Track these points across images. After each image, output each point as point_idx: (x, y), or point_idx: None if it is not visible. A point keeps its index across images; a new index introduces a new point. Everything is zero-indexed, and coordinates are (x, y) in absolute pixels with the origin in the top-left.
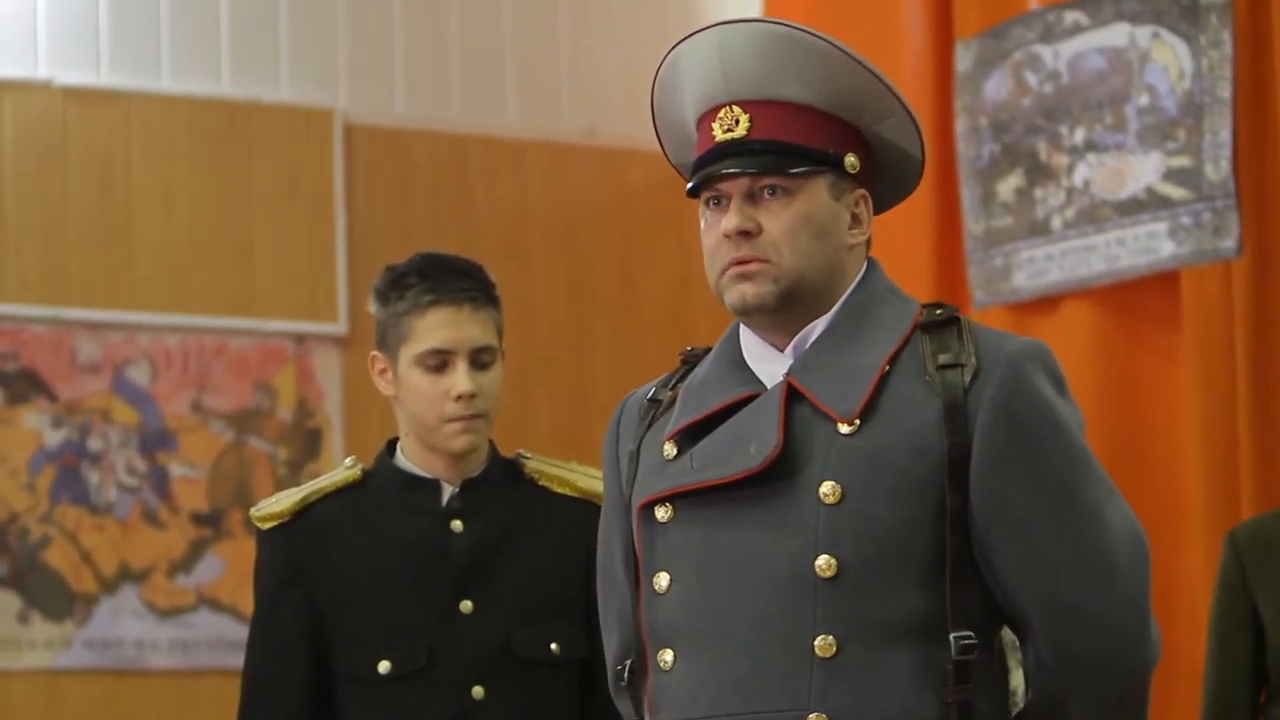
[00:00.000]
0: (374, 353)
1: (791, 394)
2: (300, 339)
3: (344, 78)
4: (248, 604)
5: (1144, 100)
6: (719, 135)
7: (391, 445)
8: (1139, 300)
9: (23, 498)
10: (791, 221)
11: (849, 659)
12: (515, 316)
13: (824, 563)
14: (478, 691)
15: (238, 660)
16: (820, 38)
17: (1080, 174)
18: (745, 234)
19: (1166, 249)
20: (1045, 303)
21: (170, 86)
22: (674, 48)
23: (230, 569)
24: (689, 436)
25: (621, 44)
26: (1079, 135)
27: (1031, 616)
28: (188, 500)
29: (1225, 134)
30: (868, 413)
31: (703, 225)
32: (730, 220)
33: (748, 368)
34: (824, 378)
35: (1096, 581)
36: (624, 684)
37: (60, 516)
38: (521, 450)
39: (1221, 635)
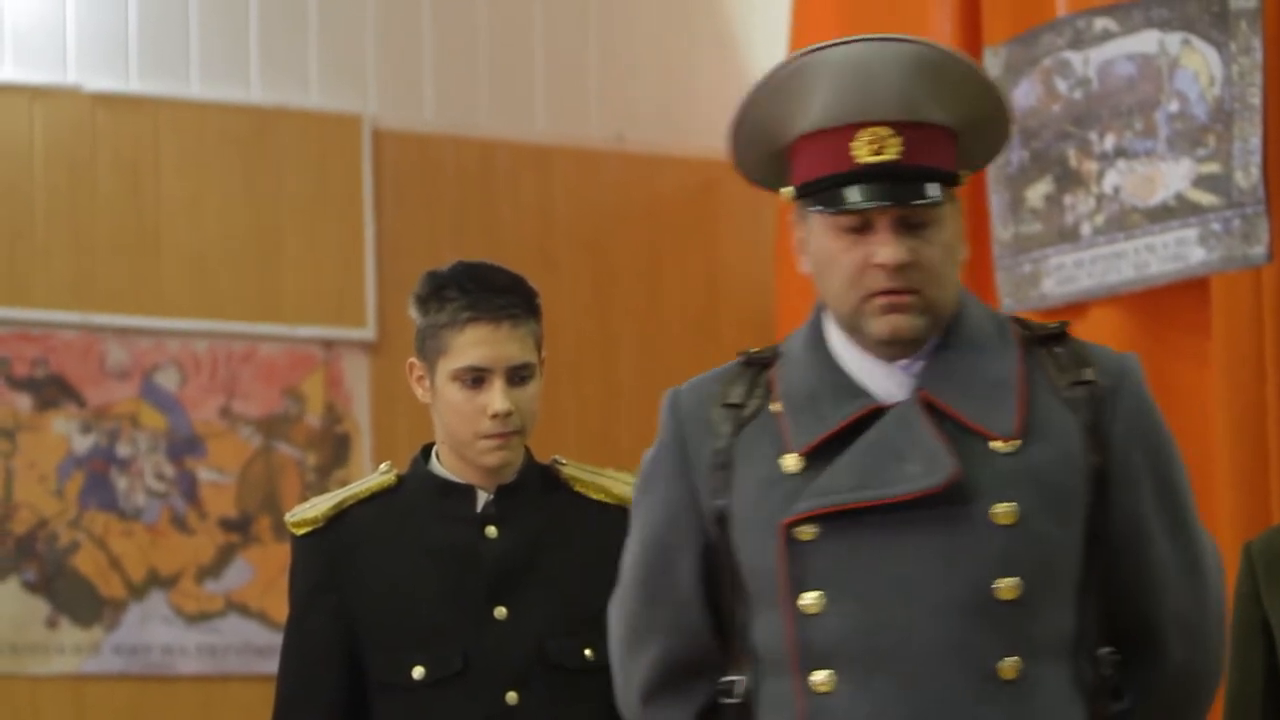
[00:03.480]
0: (412, 359)
1: (928, 410)
2: (329, 345)
3: (373, 84)
4: (276, 609)
5: (1174, 107)
6: (863, 156)
7: (427, 450)
8: (1169, 307)
9: (52, 503)
10: (941, 252)
11: (1027, 681)
12: (543, 322)
13: (1005, 585)
14: (511, 697)
15: (266, 666)
16: (964, 60)
17: (1110, 180)
18: (901, 266)
19: (1196, 255)
20: (1074, 309)
21: (199, 93)
22: (797, 57)
23: (259, 574)
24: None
25: (650, 51)
26: (1109, 142)
27: (1154, 631)
28: (216, 506)
29: (1255, 140)
30: (1023, 431)
31: (829, 243)
32: (891, 253)
33: (850, 378)
34: (962, 393)
35: (1201, 596)
36: (736, 702)
37: (89, 522)
38: (558, 456)
39: (1237, 645)
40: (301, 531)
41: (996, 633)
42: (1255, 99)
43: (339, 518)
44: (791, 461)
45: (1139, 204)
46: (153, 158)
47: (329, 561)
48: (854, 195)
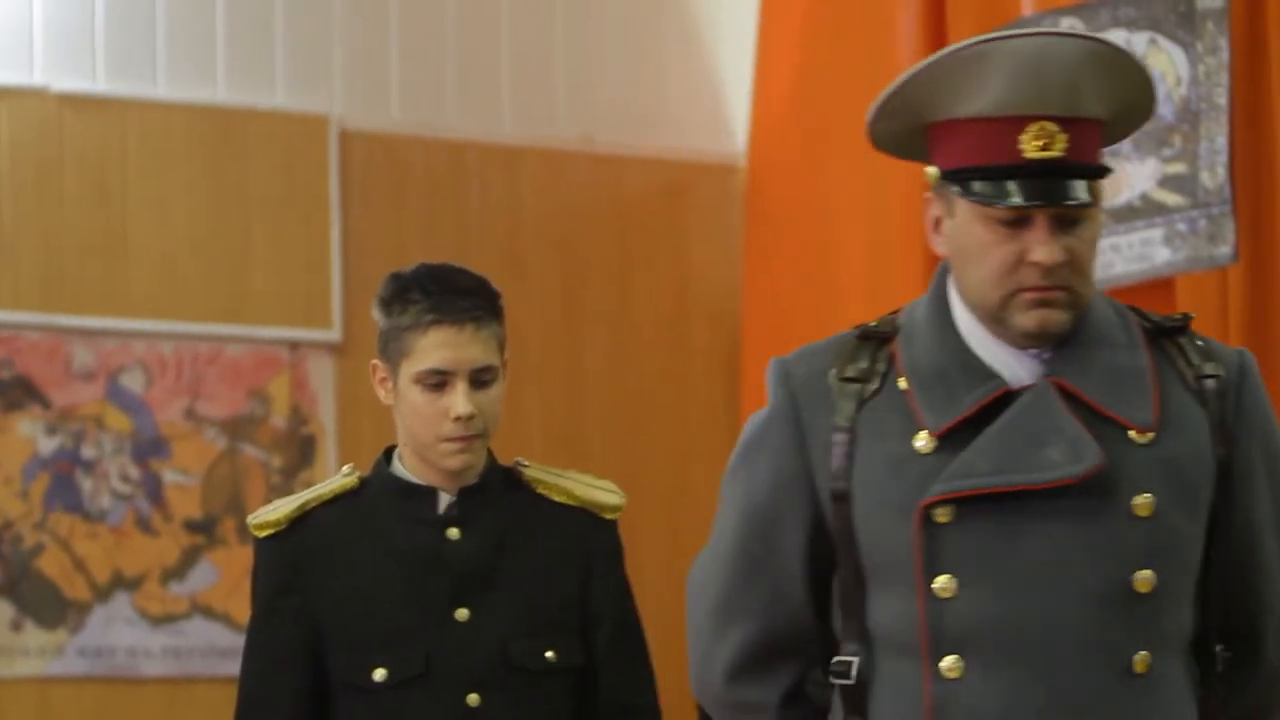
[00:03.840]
0: (375, 361)
1: (1063, 396)
2: (294, 346)
3: (339, 84)
4: (241, 611)
5: None
6: (1030, 151)
7: (389, 452)
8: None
9: (16, 505)
10: (1089, 250)
11: (1154, 675)
12: (510, 323)
13: (1143, 577)
14: (473, 699)
15: (230, 668)
16: (1131, 56)
17: None
18: (1057, 264)
19: (1162, 256)
20: None
21: (166, 93)
22: (980, 43)
23: (224, 576)
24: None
25: (617, 52)
26: None
27: (1254, 631)
28: (181, 508)
29: (1221, 141)
30: (1159, 423)
31: (980, 232)
32: (1049, 252)
33: (979, 359)
34: (1096, 382)
35: None
36: (849, 683)
37: (54, 524)
38: (520, 458)
39: None
40: (264, 534)
41: (1131, 626)
42: (1222, 99)
43: (301, 520)
44: (924, 441)
45: (1104, 204)
46: (119, 158)
47: (291, 564)
48: (1016, 189)
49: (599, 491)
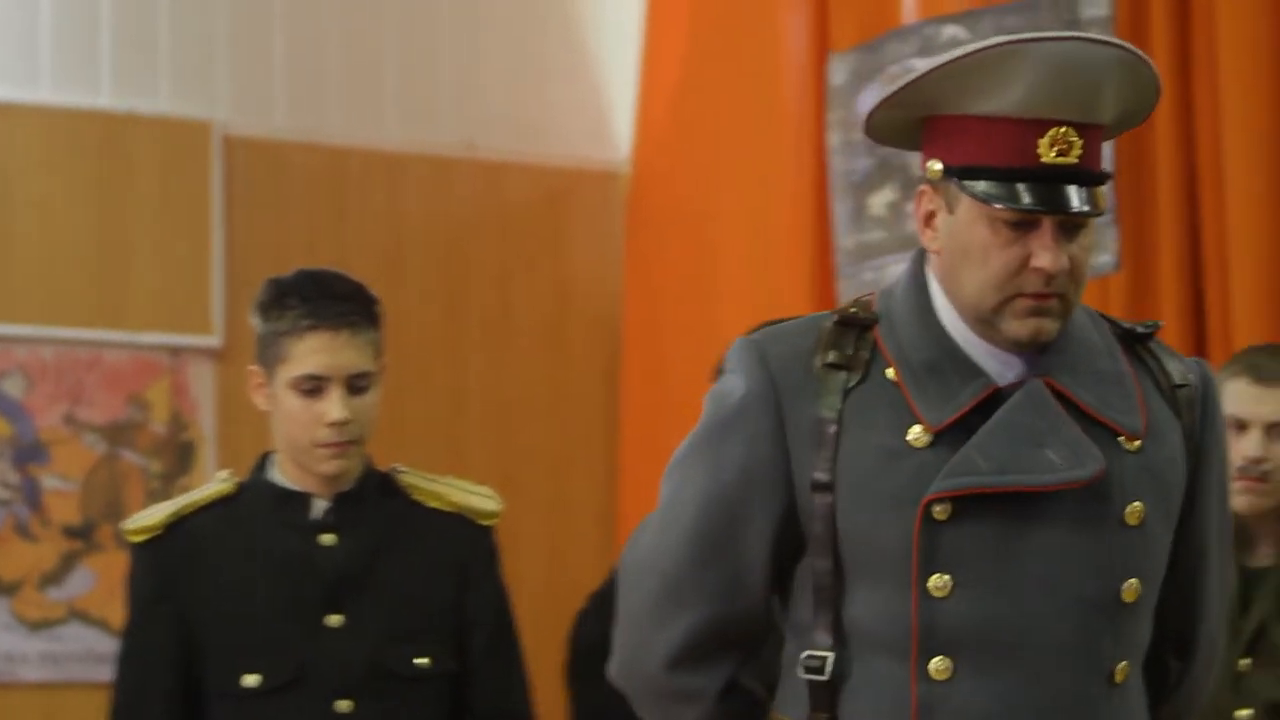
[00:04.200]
0: (252, 367)
1: (1055, 398)
2: (175, 352)
3: (223, 90)
4: (119, 617)
5: None
6: (1048, 156)
7: (265, 459)
8: None
9: None
10: (1086, 258)
11: (1128, 684)
12: (391, 330)
13: (1130, 586)
14: (345, 705)
15: (108, 674)
16: (1152, 65)
17: None
18: (1059, 272)
19: None
20: None
21: (49, 98)
22: (1013, 42)
23: (101, 582)
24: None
25: (501, 59)
26: None
27: (1193, 641)
28: (59, 513)
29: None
30: (1145, 430)
31: (983, 233)
32: (1054, 259)
33: (965, 354)
34: (1086, 385)
35: (1223, 622)
36: (823, 679)
37: None
38: (397, 464)
39: None
40: (139, 539)
41: (1116, 635)
42: None
43: (177, 525)
44: (920, 435)
45: None
46: (2, 163)
47: (166, 569)
48: (1028, 193)
49: (475, 497)
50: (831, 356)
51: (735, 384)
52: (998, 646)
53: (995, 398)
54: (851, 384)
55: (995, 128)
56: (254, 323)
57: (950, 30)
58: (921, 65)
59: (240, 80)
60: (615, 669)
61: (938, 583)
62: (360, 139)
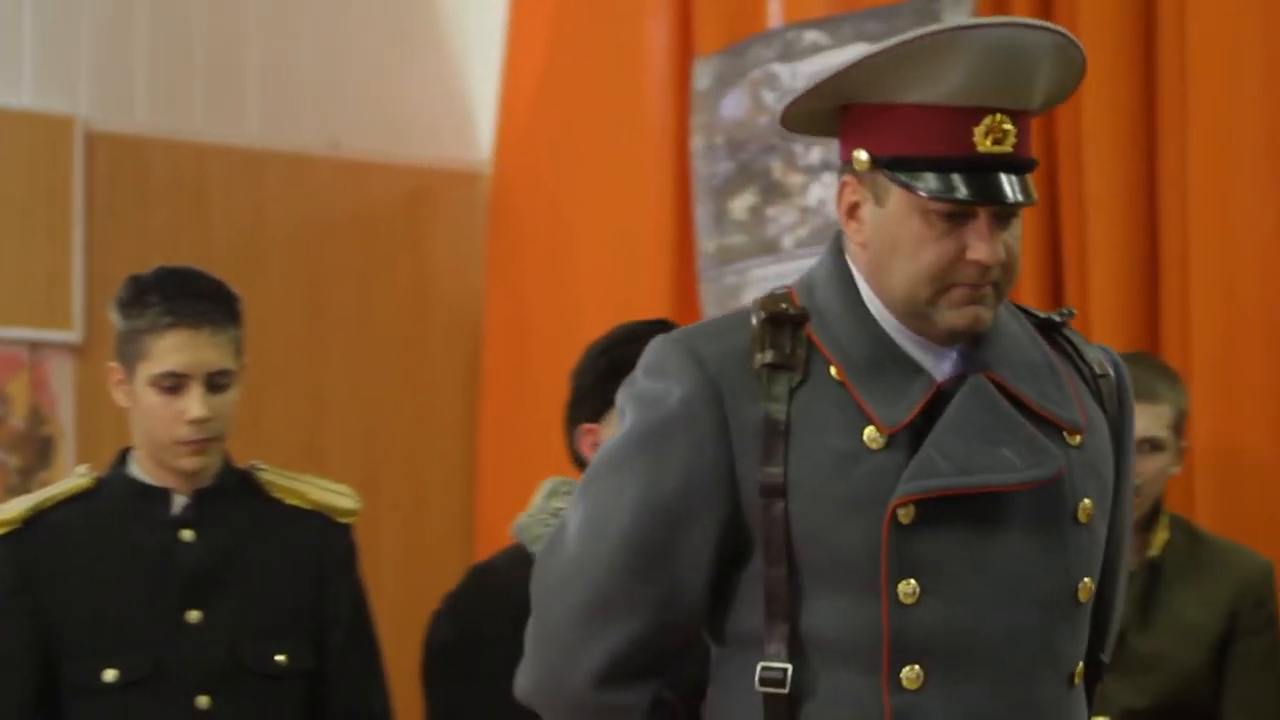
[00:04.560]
0: (111, 363)
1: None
2: (35, 346)
3: (85, 85)
4: None
5: None
6: (984, 145)
7: (124, 454)
8: None
9: None
10: (1018, 246)
11: (1080, 687)
12: (251, 328)
13: (1084, 585)
14: (203, 701)
15: None
16: (1082, 52)
17: (814, 194)
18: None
19: None
20: None
21: None
22: (952, 30)
23: None
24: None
25: (364, 58)
26: (814, 155)
27: (1104, 639)
28: None
29: None
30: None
31: (915, 226)
32: (991, 250)
33: (902, 350)
34: (1023, 378)
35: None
36: (782, 692)
37: None
38: (255, 461)
39: None
40: None
41: (1073, 635)
42: None
43: (35, 520)
44: (874, 436)
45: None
46: None
47: (25, 564)
48: (963, 184)
49: (334, 495)
50: (771, 355)
51: (670, 386)
52: (967, 653)
53: (938, 395)
54: (795, 384)
55: (929, 116)
56: (114, 319)
57: (811, 35)
58: (851, 54)
59: (103, 76)
60: (530, 687)
61: (906, 589)
62: (222, 136)
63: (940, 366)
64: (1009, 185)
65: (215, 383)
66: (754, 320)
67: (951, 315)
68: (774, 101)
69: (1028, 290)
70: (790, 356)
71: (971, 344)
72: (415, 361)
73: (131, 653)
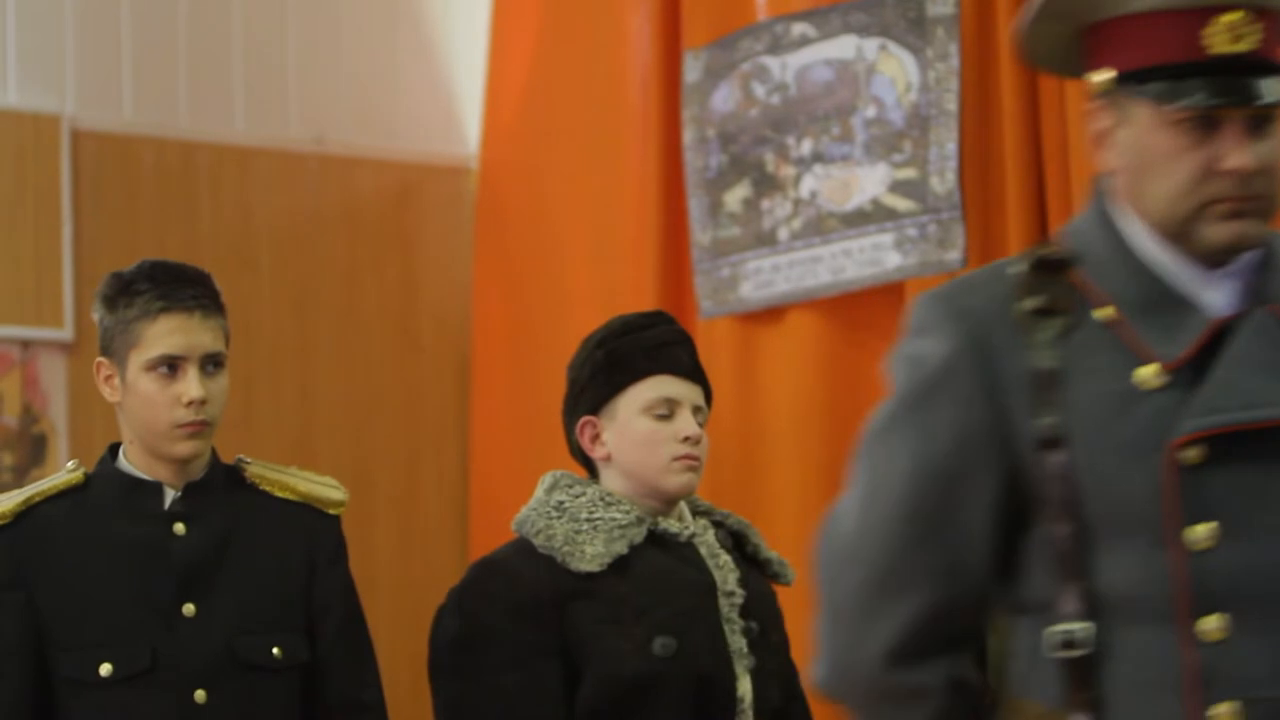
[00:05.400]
0: (100, 359)
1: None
2: (26, 345)
3: (72, 84)
4: None
5: (871, 112)
6: (1219, 45)
7: (114, 450)
8: (865, 311)
9: None
10: (1277, 155)
11: None
12: (241, 324)
13: None
14: (200, 695)
15: None
16: None
17: (807, 185)
18: (1252, 171)
19: (892, 260)
20: (772, 313)
21: None
22: None
23: None
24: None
25: (350, 53)
26: (806, 146)
27: None
28: None
29: (951, 146)
30: None
31: (1162, 141)
32: (1243, 158)
33: (1170, 286)
34: None
35: None
36: (1082, 654)
37: None
38: (241, 455)
39: None
40: None
41: None
42: (952, 105)
43: (26, 515)
44: (1151, 375)
45: (835, 209)
46: None
47: (15, 559)
48: (1203, 88)
49: (321, 487)
50: (1036, 302)
51: (933, 344)
52: (1273, 598)
53: (1220, 331)
54: (1063, 330)
55: (1158, 22)
56: (97, 317)
57: (799, 28)
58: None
59: (89, 74)
60: (824, 675)
61: (1203, 532)
62: (209, 133)
63: (1218, 301)
64: (1258, 86)
65: (209, 364)
66: (1018, 269)
67: (1213, 231)
68: (764, 94)
69: None
70: (1058, 301)
71: (1254, 276)
72: (405, 356)
73: (128, 647)
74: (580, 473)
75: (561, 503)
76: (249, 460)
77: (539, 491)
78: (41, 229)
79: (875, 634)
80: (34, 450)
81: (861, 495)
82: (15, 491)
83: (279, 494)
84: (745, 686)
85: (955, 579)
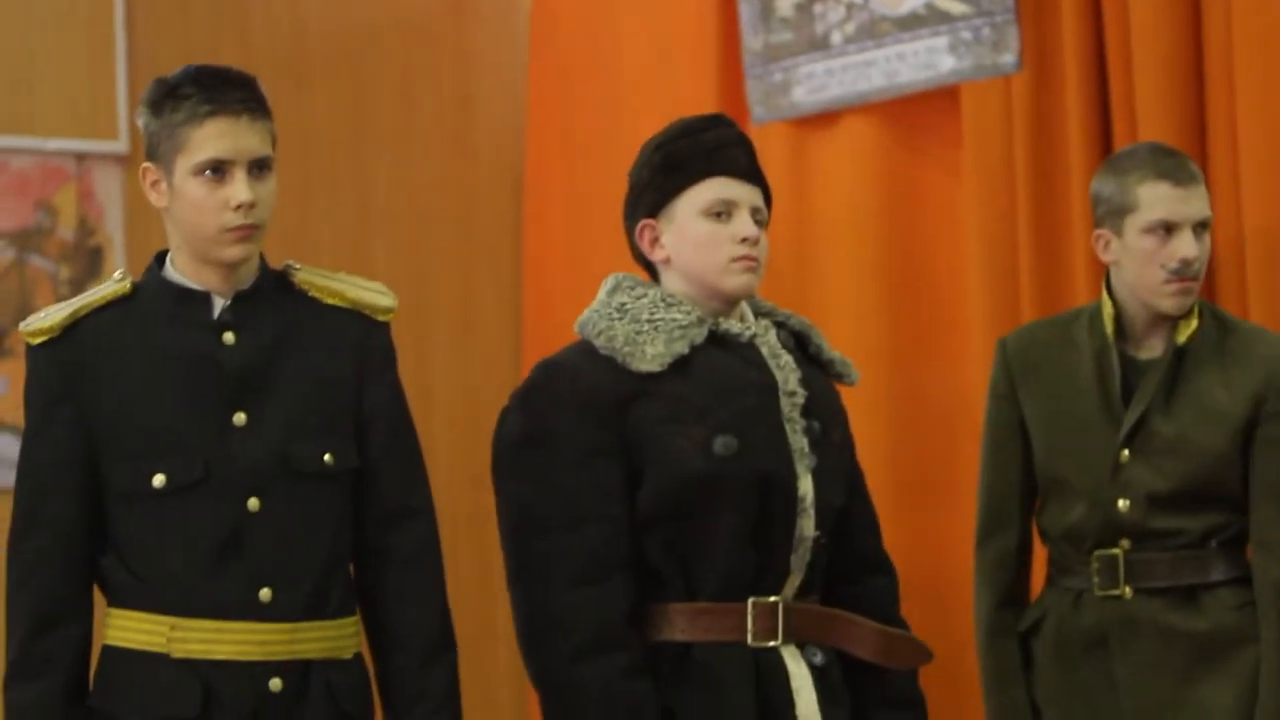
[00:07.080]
0: (146, 165)
1: None
2: (81, 158)
3: None
4: None
5: None
6: None
7: (160, 258)
8: (919, 115)
9: None
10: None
11: None
12: (295, 135)
13: None
14: (253, 503)
15: None
16: None
17: None
18: None
19: (946, 64)
20: (825, 118)
21: None
22: None
23: (14, 387)
24: None
25: None
26: None
27: None
28: None
29: None
30: None
31: None
32: None
33: None
34: None
35: None
36: None
37: None
38: (291, 261)
39: (993, 444)
40: (37, 341)
41: None
42: None
43: (74, 327)
44: None
45: (889, 12)
46: None
47: (65, 371)
48: None
49: (370, 293)
50: None
51: None
52: None
53: None
54: None
55: None
56: (142, 122)
57: None
58: None
59: None
60: None
61: None
62: None
63: None
64: None
65: (257, 168)
66: None
67: None
68: None
69: (1071, 86)
70: None
71: None
72: (460, 169)
73: (179, 457)
74: (643, 276)
75: (623, 304)
76: (298, 266)
77: (601, 294)
78: (95, 41)
79: None
80: (91, 263)
81: None
82: (63, 304)
83: (328, 300)
84: (806, 485)
85: None
